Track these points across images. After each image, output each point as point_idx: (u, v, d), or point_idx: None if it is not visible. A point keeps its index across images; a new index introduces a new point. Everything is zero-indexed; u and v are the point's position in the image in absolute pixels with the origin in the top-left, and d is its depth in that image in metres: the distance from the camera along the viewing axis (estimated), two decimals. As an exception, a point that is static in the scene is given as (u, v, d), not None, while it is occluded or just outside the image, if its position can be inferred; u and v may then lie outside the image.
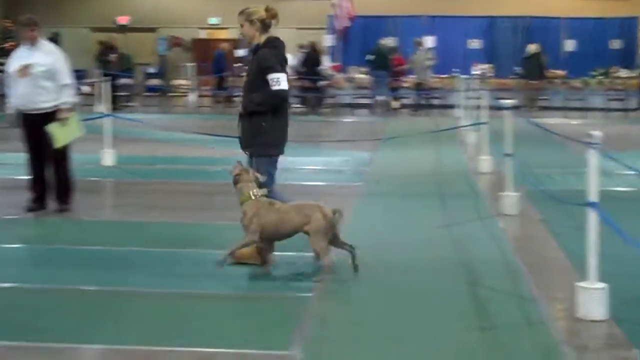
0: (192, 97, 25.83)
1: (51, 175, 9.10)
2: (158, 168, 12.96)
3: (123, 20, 32.87)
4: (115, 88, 13.82)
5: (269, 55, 6.90)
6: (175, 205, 10.04)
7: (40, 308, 5.92)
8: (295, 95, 24.41)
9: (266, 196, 6.69)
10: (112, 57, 24.41)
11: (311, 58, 23.78)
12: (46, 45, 9.06)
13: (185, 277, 6.65)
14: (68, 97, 8.91)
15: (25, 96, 8.87)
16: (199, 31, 32.53)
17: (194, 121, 20.82)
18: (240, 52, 28.54)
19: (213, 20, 32.38)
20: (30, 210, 9.05)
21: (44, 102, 8.85)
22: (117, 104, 19.76)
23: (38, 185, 9.12)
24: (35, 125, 8.87)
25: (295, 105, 24.17)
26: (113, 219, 9.30)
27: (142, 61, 28.74)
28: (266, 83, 6.84)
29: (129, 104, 24.62)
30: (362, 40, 27.03)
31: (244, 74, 7.51)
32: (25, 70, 8.82)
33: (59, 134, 8.84)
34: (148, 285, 6.45)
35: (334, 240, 6.62)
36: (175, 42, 26.62)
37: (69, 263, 7.16)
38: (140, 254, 7.47)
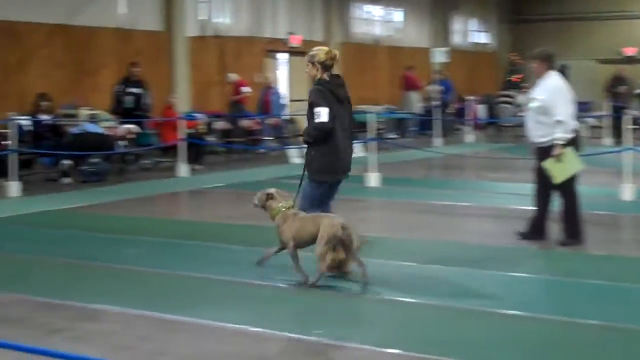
0: None
1: (555, 207, 9.14)
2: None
3: (630, 51, 32.22)
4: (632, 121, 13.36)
5: (314, 91, 7.65)
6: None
7: (551, 340, 5.89)
8: None
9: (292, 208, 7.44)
10: (622, 88, 23.93)
11: None
12: (549, 79, 9.00)
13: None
14: (560, 133, 8.81)
15: (529, 129, 9.16)
16: None
17: None
18: None
19: None
20: (524, 238, 9.20)
21: (540, 137, 8.96)
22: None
23: (537, 216, 9.20)
24: (538, 158, 9.06)
25: None
26: (629, 254, 8.92)
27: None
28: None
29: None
30: None
31: None
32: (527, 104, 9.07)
33: (555, 170, 8.84)
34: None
35: (347, 254, 7.07)
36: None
37: (575, 295, 7.15)
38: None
